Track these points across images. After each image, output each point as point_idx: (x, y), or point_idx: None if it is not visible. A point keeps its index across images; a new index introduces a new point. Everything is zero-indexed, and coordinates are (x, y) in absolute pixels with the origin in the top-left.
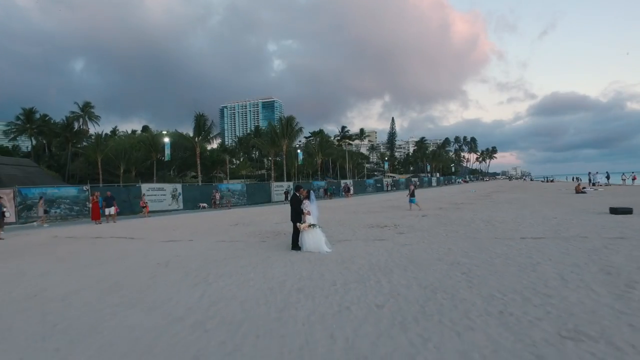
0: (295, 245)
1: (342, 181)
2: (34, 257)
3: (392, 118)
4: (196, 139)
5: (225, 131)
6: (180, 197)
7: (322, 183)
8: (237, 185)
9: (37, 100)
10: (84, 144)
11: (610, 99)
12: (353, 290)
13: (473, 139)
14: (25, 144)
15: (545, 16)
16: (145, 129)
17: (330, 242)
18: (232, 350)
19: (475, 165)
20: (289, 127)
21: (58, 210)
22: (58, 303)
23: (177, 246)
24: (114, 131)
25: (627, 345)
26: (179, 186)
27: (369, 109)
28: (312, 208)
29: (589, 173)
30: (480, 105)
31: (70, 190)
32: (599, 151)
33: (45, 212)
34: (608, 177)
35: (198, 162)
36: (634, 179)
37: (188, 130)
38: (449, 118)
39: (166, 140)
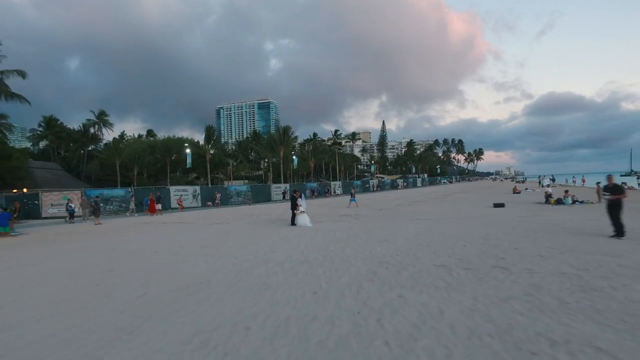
0: (292, 222)
1: (332, 183)
2: (144, 232)
3: (383, 122)
4: (207, 146)
5: (222, 131)
6: (199, 196)
7: (314, 184)
8: (243, 186)
9: (32, 99)
10: (93, 147)
11: (606, 99)
12: (319, 237)
13: (460, 141)
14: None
15: (543, 16)
16: (149, 132)
17: (312, 222)
18: (289, 253)
19: (465, 165)
20: (285, 135)
21: (111, 207)
22: (201, 248)
23: (223, 226)
24: (121, 135)
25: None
26: (198, 188)
27: (366, 108)
28: (302, 202)
29: (539, 176)
30: (477, 105)
31: (119, 192)
32: (593, 151)
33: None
34: (553, 180)
35: (208, 167)
36: (583, 181)
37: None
38: (445, 118)
39: (188, 151)
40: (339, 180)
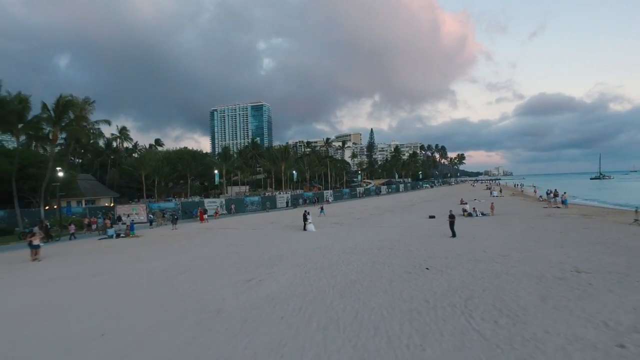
0: (304, 228)
1: (325, 192)
2: (214, 234)
3: (371, 129)
4: (222, 166)
5: (216, 133)
6: (224, 206)
7: (310, 194)
8: (256, 197)
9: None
10: (112, 157)
11: (595, 100)
12: (322, 238)
13: (443, 147)
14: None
15: (535, 17)
16: (157, 141)
17: (316, 227)
18: (314, 247)
19: (455, 168)
20: (286, 152)
21: (166, 216)
22: (257, 243)
23: (261, 230)
24: (135, 146)
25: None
26: (223, 200)
27: (359, 108)
28: (309, 218)
29: (533, 186)
30: (469, 105)
31: (170, 205)
32: (582, 151)
33: (163, 217)
34: (550, 193)
35: (224, 182)
36: (535, 192)
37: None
38: (437, 118)
39: (216, 172)
40: (331, 186)
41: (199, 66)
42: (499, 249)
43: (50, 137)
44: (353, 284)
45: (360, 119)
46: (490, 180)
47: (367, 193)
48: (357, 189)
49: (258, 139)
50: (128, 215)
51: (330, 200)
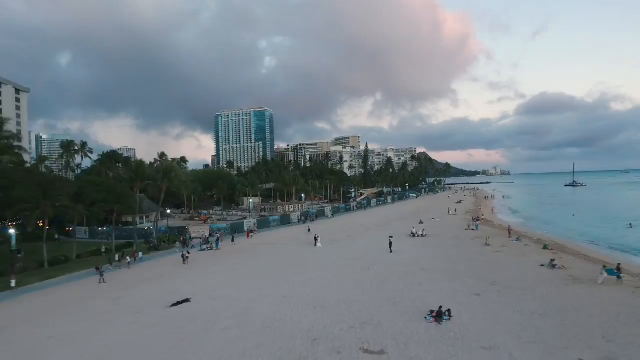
0: (315, 245)
1: (326, 207)
2: (269, 248)
3: (366, 144)
4: (249, 189)
5: (220, 137)
6: (256, 224)
7: (314, 211)
8: (276, 216)
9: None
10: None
11: (596, 100)
12: (326, 252)
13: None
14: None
15: (537, 17)
16: (182, 159)
17: (322, 244)
18: (324, 256)
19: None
20: (296, 178)
21: (222, 231)
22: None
23: (288, 246)
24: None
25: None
26: (255, 220)
27: (360, 107)
28: (319, 239)
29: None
30: (470, 104)
31: (224, 225)
32: (581, 150)
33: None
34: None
35: (250, 200)
36: (492, 210)
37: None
38: (437, 116)
39: (251, 200)
40: (330, 196)
41: (200, 64)
42: (408, 259)
43: (160, 189)
44: (339, 271)
45: (361, 118)
46: (471, 188)
47: (360, 206)
48: (351, 203)
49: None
50: (195, 233)
51: (329, 215)
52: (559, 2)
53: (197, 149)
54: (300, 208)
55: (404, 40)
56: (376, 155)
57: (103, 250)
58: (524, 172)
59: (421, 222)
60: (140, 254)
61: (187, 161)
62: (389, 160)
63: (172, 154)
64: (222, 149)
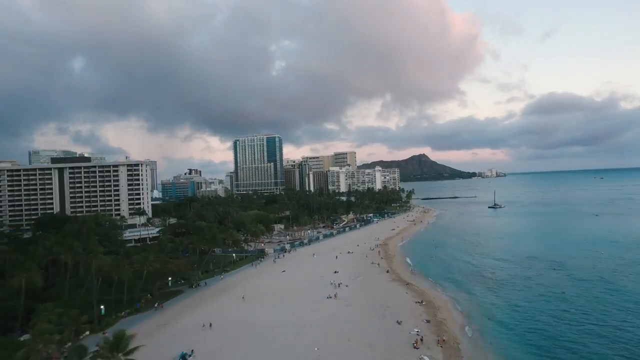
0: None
1: (324, 231)
2: (313, 254)
3: (357, 166)
4: (293, 225)
5: (238, 159)
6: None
7: (327, 232)
8: (298, 241)
9: (38, 99)
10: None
11: (605, 99)
12: (339, 258)
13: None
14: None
15: (549, 19)
16: (227, 191)
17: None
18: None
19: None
20: (303, 212)
21: (286, 247)
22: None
23: (314, 256)
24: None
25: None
26: (287, 242)
27: (369, 108)
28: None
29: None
30: (477, 105)
31: (279, 247)
32: (586, 148)
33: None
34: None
35: (281, 226)
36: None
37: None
38: (444, 116)
39: (282, 226)
40: (324, 218)
41: (211, 67)
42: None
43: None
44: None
45: (369, 119)
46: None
47: (339, 231)
48: (331, 230)
49: (272, 163)
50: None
51: (320, 238)
52: (570, 3)
53: (205, 150)
54: (307, 233)
55: (414, 42)
56: (366, 174)
57: (236, 258)
58: (526, 171)
59: (336, 272)
60: (260, 259)
61: (237, 187)
62: (370, 190)
63: (181, 155)
64: (240, 168)
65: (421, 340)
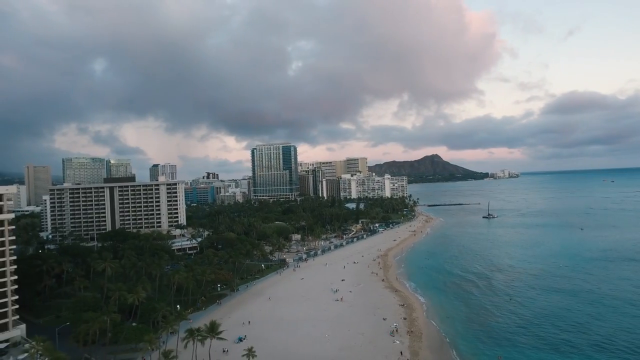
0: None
1: (332, 242)
2: (327, 261)
3: (369, 173)
4: (311, 238)
5: (255, 167)
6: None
7: (340, 242)
8: (313, 250)
9: (61, 100)
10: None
11: (629, 97)
12: (346, 267)
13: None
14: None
15: (571, 17)
16: (245, 195)
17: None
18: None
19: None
20: (318, 225)
21: (304, 255)
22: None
23: (329, 265)
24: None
25: None
26: (305, 250)
27: (386, 108)
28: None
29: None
30: (494, 105)
31: (298, 256)
32: (606, 147)
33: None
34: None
35: (298, 236)
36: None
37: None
38: (462, 116)
39: (298, 236)
40: (336, 227)
41: (228, 68)
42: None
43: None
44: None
45: (385, 119)
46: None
47: (348, 241)
48: (341, 240)
49: (287, 171)
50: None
51: (332, 248)
52: (593, 1)
53: (221, 150)
54: (321, 244)
55: (431, 41)
56: (376, 182)
57: (263, 267)
58: (542, 171)
59: (343, 280)
60: (283, 268)
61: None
62: (381, 198)
63: (197, 154)
64: (258, 175)
65: (396, 330)
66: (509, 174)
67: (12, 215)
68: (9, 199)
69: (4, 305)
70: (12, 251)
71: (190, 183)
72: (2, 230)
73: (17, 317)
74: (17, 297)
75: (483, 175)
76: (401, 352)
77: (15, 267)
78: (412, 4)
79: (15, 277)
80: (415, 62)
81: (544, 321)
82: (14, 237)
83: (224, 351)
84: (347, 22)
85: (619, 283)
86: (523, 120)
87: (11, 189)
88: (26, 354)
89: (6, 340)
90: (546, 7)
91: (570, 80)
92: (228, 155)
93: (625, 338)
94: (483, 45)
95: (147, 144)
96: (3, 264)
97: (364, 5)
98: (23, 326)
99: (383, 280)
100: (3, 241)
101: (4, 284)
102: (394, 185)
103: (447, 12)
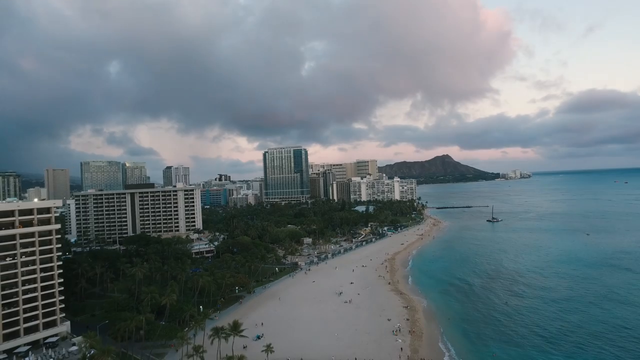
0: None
1: (347, 244)
2: (336, 265)
3: (380, 174)
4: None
5: (267, 170)
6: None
7: (350, 244)
8: (324, 255)
9: (78, 102)
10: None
11: None
12: (355, 271)
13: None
14: None
15: (592, 14)
16: (257, 198)
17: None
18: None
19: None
20: (329, 229)
21: (314, 260)
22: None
23: (338, 268)
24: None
25: None
26: (316, 254)
27: (399, 108)
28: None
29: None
30: (510, 104)
31: (309, 259)
32: (625, 146)
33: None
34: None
35: (309, 239)
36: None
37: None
38: (476, 115)
39: (309, 239)
40: (345, 231)
41: (242, 69)
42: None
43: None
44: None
45: (398, 119)
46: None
47: (357, 245)
48: (351, 244)
49: (298, 174)
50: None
51: (342, 252)
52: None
53: (234, 150)
54: (331, 248)
55: (445, 40)
56: (385, 184)
57: (277, 270)
58: (557, 170)
59: (352, 283)
60: (295, 271)
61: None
62: (391, 201)
63: (210, 155)
64: (269, 178)
65: (399, 330)
66: (521, 174)
67: (59, 226)
68: (55, 211)
69: (53, 304)
70: (57, 257)
71: (203, 185)
72: (51, 239)
73: (63, 315)
74: (63, 297)
75: (494, 176)
76: (401, 348)
77: (61, 271)
78: (427, 2)
79: (61, 280)
80: (429, 61)
81: (535, 323)
82: (60, 245)
83: (244, 347)
84: (362, 21)
85: (614, 289)
86: (538, 119)
87: (57, 202)
88: (75, 347)
89: (56, 335)
90: (567, 3)
91: (589, 78)
92: (240, 155)
93: (625, 339)
94: (498, 43)
95: (160, 144)
96: (51, 269)
97: (378, 5)
98: (68, 323)
99: (389, 283)
100: (51, 248)
101: (52, 286)
102: (403, 187)
103: (462, 10)
